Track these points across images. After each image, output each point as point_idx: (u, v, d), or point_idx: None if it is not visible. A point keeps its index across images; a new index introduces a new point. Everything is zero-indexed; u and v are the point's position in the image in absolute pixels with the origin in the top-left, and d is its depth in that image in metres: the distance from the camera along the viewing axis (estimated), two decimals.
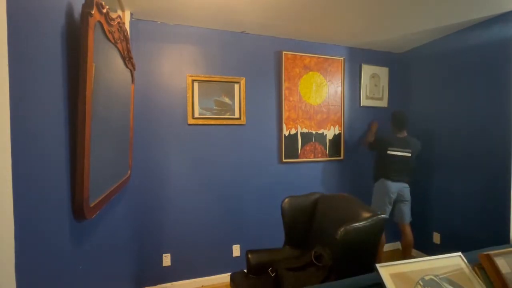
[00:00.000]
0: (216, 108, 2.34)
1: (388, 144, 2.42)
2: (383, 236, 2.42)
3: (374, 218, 1.39)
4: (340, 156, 2.77)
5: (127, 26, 1.89)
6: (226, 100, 2.37)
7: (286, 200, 1.90)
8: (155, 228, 2.22)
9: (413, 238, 2.42)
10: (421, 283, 0.77)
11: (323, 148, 2.71)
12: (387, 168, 2.43)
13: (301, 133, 2.62)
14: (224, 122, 2.36)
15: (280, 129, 2.56)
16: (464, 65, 2.37)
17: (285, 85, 2.53)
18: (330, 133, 2.73)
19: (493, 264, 0.83)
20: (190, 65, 2.27)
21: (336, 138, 2.75)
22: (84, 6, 0.82)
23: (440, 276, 0.80)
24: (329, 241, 1.45)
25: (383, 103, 2.97)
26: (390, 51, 2.97)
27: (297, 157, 2.60)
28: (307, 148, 2.64)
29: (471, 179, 2.31)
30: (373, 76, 2.90)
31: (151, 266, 2.22)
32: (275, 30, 2.37)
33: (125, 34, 1.34)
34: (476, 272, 0.84)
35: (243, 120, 2.41)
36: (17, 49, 0.58)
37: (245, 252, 1.81)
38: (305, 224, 1.87)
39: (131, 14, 2.02)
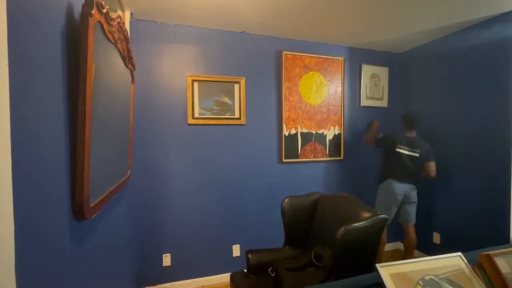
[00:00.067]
0: (216, 108, 2.34)
1: (398, 142, 2.36)
2: (384, 236, 2.41)
3: (374, 218, 1.39)
4: (340, 156, 2.77)
5: (127, 26, 1.89)
6: (226, 100, 2.37)
7: (286, 200, 1.90)
8: (155, 228, 2.22)
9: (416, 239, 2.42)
10: (421, 283, 0.77)
11: (323, 148, 2.71)
12: (394, 168, 2.36)
13: (301, 133, 2.62)
14: (224, 122, 2.36)
15: (280, 129, 2.56)
16: (464, 65, 2.37)
17: (285, 85, 2.53)
18: (330, 133, 2.73)
19: (493, 264, 0.83)
20: (190, 65, 2.27)
21: (336, 138, 2.75)
22: (84, 6, 0.82)
23: (440, 276, 0.80)
24: (329, 241, 1.45)
25: (383, 103, 2.97)
26: (390, 51, 2.97)
27: (297, 157, 2.60)
28: (307, 148, 2.64)
29: (471, 179, 2.31)
30: (373, 76, 2.90)
31: (151, 266, 2.22)
32: (275, 30, 2.37)
33: (125, 34, 1.34)
34: (476, 272, 0.84)
35: (243, 120, 2.41)
36: (17, 49, 0.58)
37: (245, 252, 1.81)
38: (305, 224, 1.87)
39: (131, 14, 2.02)
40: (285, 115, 2.55)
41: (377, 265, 0.78)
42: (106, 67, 1.06)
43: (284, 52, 2.51)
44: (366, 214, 1.45)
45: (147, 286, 2.21)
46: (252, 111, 2.45)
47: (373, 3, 1.90)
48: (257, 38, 2.46)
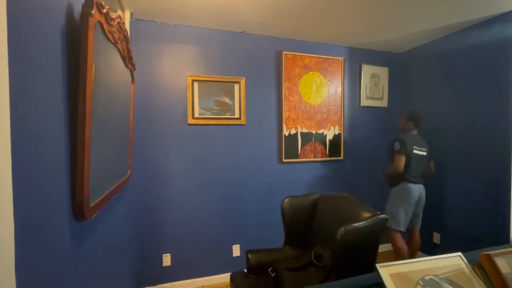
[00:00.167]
0: (216, 108, 2.34)
1: (413, 143, 2.28)
2: (401, 243, 2.29)
3: (374, 218, 1.39)
4: (340, 156, 2.77)
5: (127, 26, 1.89)
6: (226, 100, 2.37)
7: (286, 200, 1.90)
8: (155, 228, 2.22)
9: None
10: (421, 283, 0.77)
11: (323, 148, 2.71)
12: (409, 169, 2.25)
13: (301, 133, 2.62)
14: (224, 122, 2.36)
15: (280, 129, 2.56)
16: (464, 65, 2.37)
17: (285, 85, 2.53)
18: (330, 133, 2.73)
19: (493, 264, 0.83)
20: (190, 65, 2.27)
21: (336, 138, 2.75)
22: (84, 6, 0.81)
23: (440, 276, 0.80)
24: (329, 241, 1.45)
25: (383, 103, 2.97)
26: (390, 51, 2.97)
27: (297, 157, 2.60)
28: (307, 148, 2.64)
29: (471, 179, 2.31)
30: (373, 76, 2.90)
31: (151, 266, 2.22)
32: (275, 30, 2.37)
33: (125, 34, 1.34)
34: (476, 272, 0.84)
35: (243, 120, 2.41)
36: (17, 49, 0.58)
37: (245, 252, 1.81)
38: (305, 224, 1.87)
39: (131, 14, 2.02)
40: (285, 115, 2.55)
41: (377, 265, 0.78)
42: (106, 67, 1.06)
43: (284, 52, 2.51)
44: (366, 214, 1.45)
45: (147, 286, 2.21)
46: (252, 111, 2.45)
47: (373, 3, 1.90)
48: (257, 38, 2.46)
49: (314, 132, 2.67)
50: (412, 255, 2.41)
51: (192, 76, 2.26)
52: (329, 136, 2.73)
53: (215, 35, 2.33)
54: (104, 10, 0.94)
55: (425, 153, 2.31)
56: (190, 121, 2.27)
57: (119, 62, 1.30)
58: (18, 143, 0.57)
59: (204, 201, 2.34)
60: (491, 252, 0.85)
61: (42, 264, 0.68)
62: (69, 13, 0.85)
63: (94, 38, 0.85)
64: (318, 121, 2.68)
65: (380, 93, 2.95)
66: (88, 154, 0.85)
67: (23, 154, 0.60)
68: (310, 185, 2.63)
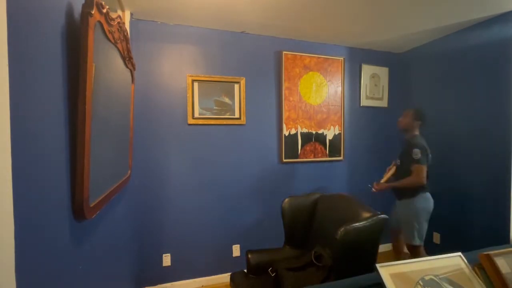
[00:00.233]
0: (216, 108, 2.34)
1: (427, 147, 2.02)
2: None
3: (374, 218, 1.39)
4: (340, 156, 2.77)
5: (127, 26, 1.89)
6: (226, 100, 2.37)
7: (286, 200, 1.90)
8: (155, 228, 2.22)
9: None
10: (421, 283, 0.77)
11: (323, 148, 2.71)
12: (425, 177, 1.99)
13: (301, 133, 2.62)
14: (224, 122, 2.36)
15: (280, 129, 2.56)
16: (464, 65, 2.37)
17: (285, 85, 2.53)
18: (330, 133, 2.73)
19: (493, 264, 0.83)
20: (190, 65, 2.27)
21: (336, 138, 2.75)
22: (84, 6, 0.81)
23: (440, 276, 0.80)
24: (329, 241, 1.45)
25: (383, 103, 2.97)
26: (390, 51, 2.97)
27: (297, 157, 2.60)
28: (307, 148, 2.64)
29: (471, 179, 2.31)
30: (373, 76, 2.90)
31: (151, 266, 2.22)
32: (275, 30, 2.37)
33: (125, 34, 1.34)
34: (476, 272, 0.84)
35: (243, 120, 2.41)
36: (17, 49, 0.58)
37: (245, 252, 1.81)
38: (305, 224, 1.87)
39: (131, 14, 2.02)
40: (285, 115, 2.55)
41: (377, 265, 0.78)
42: (106, 67, 1.06)
43: (284, 52, 2.51)
44: (366, 214, 1.45)
45: (147, 286, 2.21)
46: (252, 111, 2.45)
47: (373, 3, 1.90)
48: (257, 38, 2.46)
49: (314, 132, 2.67)
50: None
51: (192, 76, 2.26)
52: (329, 136, 2.73)
53: (215, 35, 2.33)
54: (104, 10, 0.94)
55: (431, 155, 2.09)
56: (190, 121, 2.27)
57: (119, 62, 1.30)
58: (18, 143, 0.57)
59: (204, 201, 2.34)
60: (491, 252, 0.85)
61: (42, 264, 0.68)
62: (69, 13, 0.85)
63: (94, 38, 0.85)
64: (318, 121, 2.68)
65: (380, 93, 2.95)
66: (88, 154, 0.85)
67: (23, 154, 0.60)
68: (310, 185, 2.63)
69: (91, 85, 0.84)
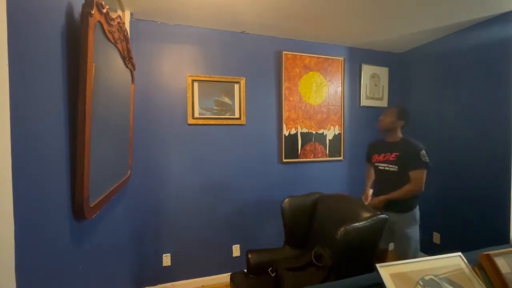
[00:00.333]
0: (216, 108, 2.34)
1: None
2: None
3: (374, 218, 1.39)
4: (340, 156, 2.77)
5: (127, 26, 1.89)
6: (226, 100, 2.36)
7: (286, 200, 1.90)
8: (155, 228, 2.22)
9: None
10: (421, 283, 0.77)
11: (323, 148, 2.71)
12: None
13: (301, 133, 2.62)
14: (224, 122, 2.36)
15: (280, 129, 2.56)
16: (464, 65, 2.37)
17: (285, 85, 2.53)
18: (330, 133, 2.73)
19: (493, 264, 0.83)
20: (190, 65, 2.27)
21: (336, 138, 2.75)
22: (84, 6, 0.81)
23: (440, 276, 0.80)
24: (329, 241, 1.45)
25: (383, 103, 2.96)
26: (390, 51, 2.97)
27: (297, 157, 2.60)
28: (307, 148, 2.64)
29: (471, 179, 2.31)
30: (373, 76, 2.90)
31: (151, 266, 2.22)
32: (275, 30, 2.37)
33: (125, 34, 1.34)
34: (476, 272, 0.84)
35: (243, 120, 2.41)
36: (17, 49, 0.58)
37: (245, 252, 1.81)
38: (305, 224, 1.87)
39: (131, 14, 2.02)
40: (285, 115, 2.55)
41: (377, 265, 0.78)
42: (106, 67, 1.06)
43: (284, 52, 2.51)
44: (366, 214, 1.45)
45: (147, 286, 2.21)
46: (252, 111, 2.45)
47: (373, 3, 1.90)
48: (257, 38, 2.46)
49: (314, 132, 2.67)
50: None
51: (192, 76, 2.26)
52: (329, 136, 2.73)
53: (215, 35, 2.33)
54: (104, 10, 0.94)
55: None
56: (190, 121, 2.26)
57: (119, 62, 1.30)
58: (18, 143, 0.57)
59: (204, 201, 2.34)
60: (491, 252, 0.85)
61: (42, 264, 0.68)
62: (69, 13, 0.85)
63: (94, 38, 0.85)
64: (318, 121, 2.68)
65: (380, 93, 2.95)
66: (88, 154, 0.85)
67: (23, 154, 0.60)
68: (310, 185, 2.62)
69: (91, 85, 0.84)
